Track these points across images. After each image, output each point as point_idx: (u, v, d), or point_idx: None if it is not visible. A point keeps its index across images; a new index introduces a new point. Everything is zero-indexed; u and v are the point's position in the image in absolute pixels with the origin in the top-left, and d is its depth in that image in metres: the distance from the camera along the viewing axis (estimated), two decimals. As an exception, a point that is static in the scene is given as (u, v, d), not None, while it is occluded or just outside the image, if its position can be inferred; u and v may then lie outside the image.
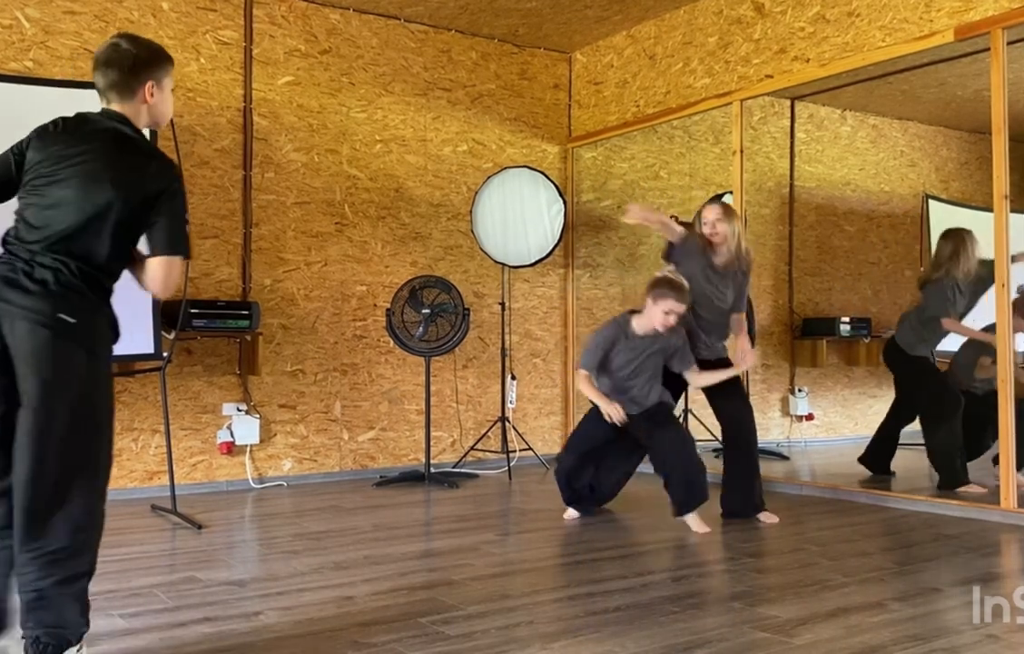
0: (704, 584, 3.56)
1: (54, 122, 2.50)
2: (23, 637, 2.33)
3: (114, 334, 2.51)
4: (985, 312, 5.37)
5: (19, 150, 2.50)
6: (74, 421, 2.32)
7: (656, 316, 4.45)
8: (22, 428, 2.29)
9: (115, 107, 2.51)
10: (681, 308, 4.45)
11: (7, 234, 2.45)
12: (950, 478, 5.32)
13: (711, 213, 4.83)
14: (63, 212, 2.38)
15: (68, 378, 2.31)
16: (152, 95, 2.54)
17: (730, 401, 4.85)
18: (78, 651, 2.37)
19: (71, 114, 2.54)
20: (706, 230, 4.81)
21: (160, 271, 2.46)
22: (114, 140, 2.46)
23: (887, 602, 3.18)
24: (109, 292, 2.50)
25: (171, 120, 5.08)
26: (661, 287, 4.45)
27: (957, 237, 5.56)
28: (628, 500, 5.22)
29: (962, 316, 5.56)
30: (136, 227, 2.47)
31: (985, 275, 5.10)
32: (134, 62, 2.50)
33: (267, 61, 5.94)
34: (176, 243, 2.48)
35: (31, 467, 2.27)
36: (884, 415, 6.11)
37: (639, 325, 4.56)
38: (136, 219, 2.44)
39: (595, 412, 4.68)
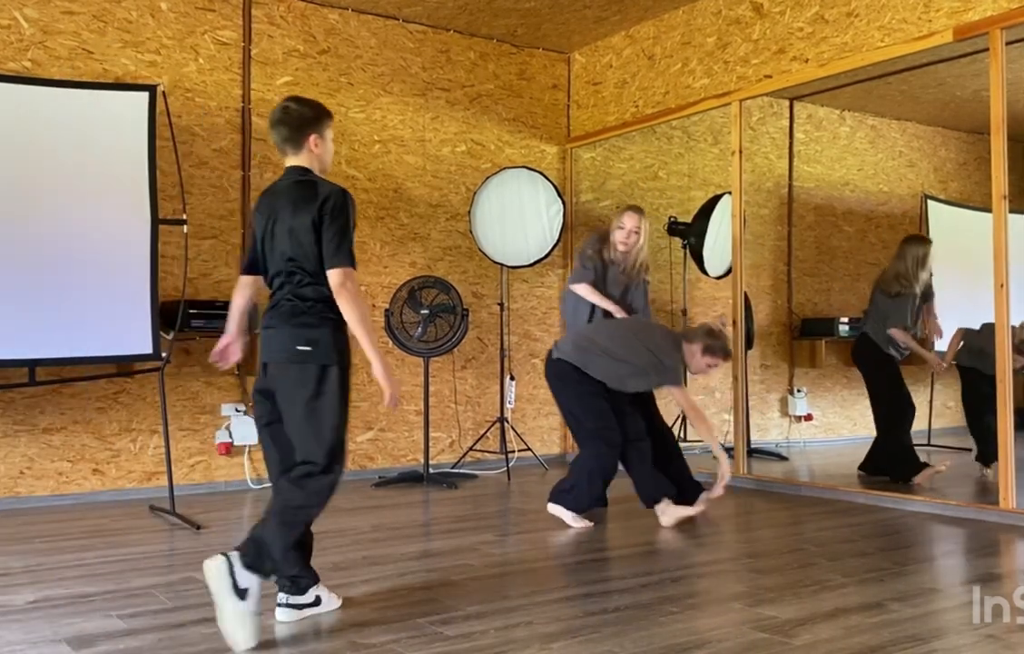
0: (703, 584, 3.56)
1: (259, 199, 3.13)
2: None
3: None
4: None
5: (254, 231, 3.13)
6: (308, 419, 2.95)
7: (700, 366, 4.63)
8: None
9: (292, 160, 3.07)
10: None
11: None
12: (906, 472, 5.56)
13: (632, 221, 5.02)
14: (278, 255, 3.00)
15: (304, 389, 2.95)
16: (316, 146, 3.08)
17: (649, 407, 5.01)
18: None
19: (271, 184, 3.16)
20: (618, 236, 5.02)
21: (334, 281, 2.93)
22: (294, 185, 3.03)
23: (886, 602, 3.18)
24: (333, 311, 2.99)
25: (169, 121, 5.09)
26: (717, 345, 4.60)
27: (924, 246, 5.88)
28: (626, 500, 5.22)
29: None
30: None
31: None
32: (300, 120, 3.05)
33: (265, 61, 5.93)
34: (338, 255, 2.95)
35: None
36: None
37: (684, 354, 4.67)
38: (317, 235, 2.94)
39: (585, 390, 4.60)
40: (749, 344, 6.66)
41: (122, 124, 4.89)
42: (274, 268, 3.02)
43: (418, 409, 6.37)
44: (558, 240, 6.45)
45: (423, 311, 5.89)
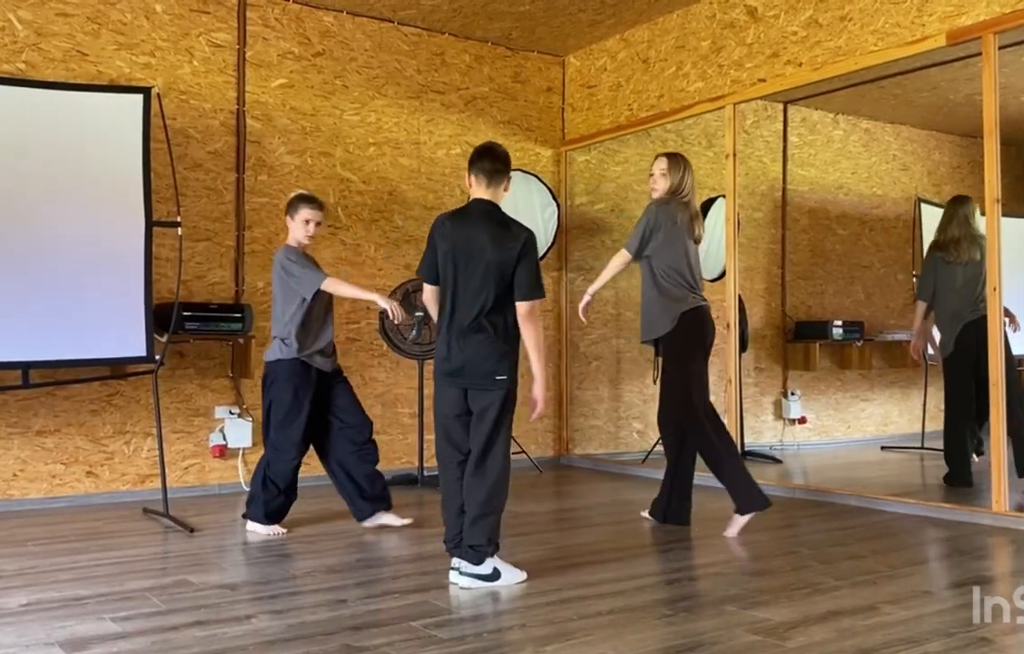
0: (697, 587, 3.56)
1: (445, 221, 3.54)
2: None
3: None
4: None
5: (434, 245, 3.52)
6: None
7: (305, 230, 4.53)
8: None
9: (482, 194, 3.54)
10: (320, 216, 4.60)
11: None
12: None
13: (657, 164, 4.74)
14: (473, 283, 3.44)
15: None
16: (506, 189, 3.59)
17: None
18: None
19: (456, 209, 3.66)
20: (651, 181, 4.80)
21: (524, 309, 3.47)
22: (493, 221, 3.49)
23: (879, 605, 3.18)
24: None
25: (164, 123, 5.07)
26: (296, 201, 4.58)
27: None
28: (621, 503, 5.24)
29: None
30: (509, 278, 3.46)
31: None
32: (506, 162, 3.57)
33: (260, 63, 5.93)
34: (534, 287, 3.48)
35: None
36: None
37: (295, 243, 4.57)
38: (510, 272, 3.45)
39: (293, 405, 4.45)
40: (743, 347, 6.67)
41: (116, 126, 4.89)
42: (467, 293, 3.44)
43: (412, 412, 6.36)
44: (553, 242, 6.45)
45: (417, 313, 5.88)
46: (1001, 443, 4.59)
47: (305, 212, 4.54)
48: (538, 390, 3.57)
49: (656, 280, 4.56)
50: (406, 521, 4.62)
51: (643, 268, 4.65)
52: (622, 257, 4.71)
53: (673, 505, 4.62)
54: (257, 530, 4.49)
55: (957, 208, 5.81)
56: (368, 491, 4.59)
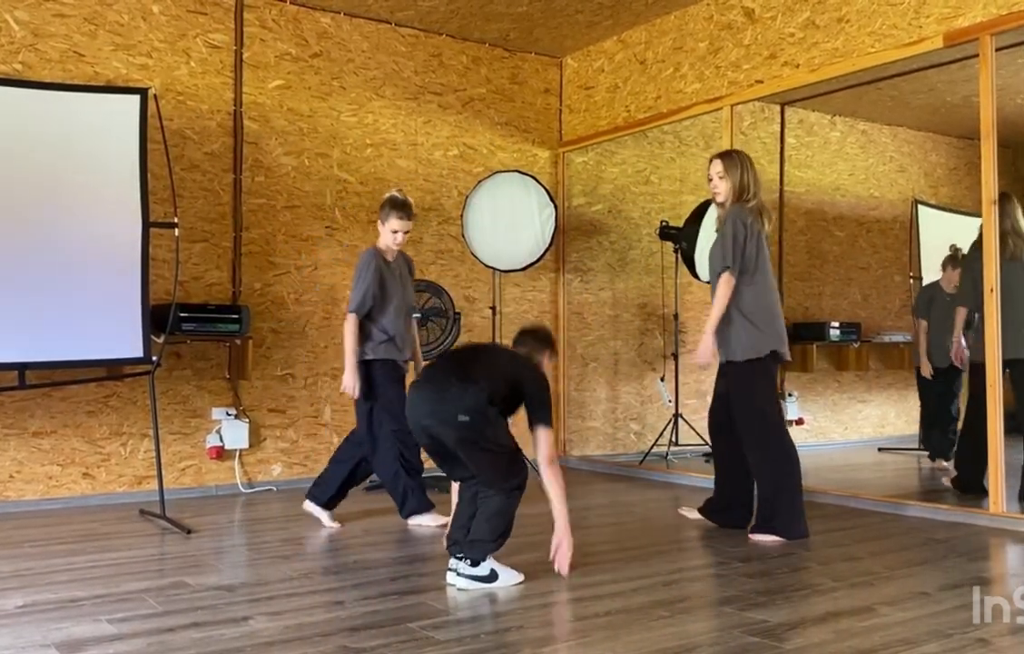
0: (694, 589, 3.56)
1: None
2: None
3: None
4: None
5: None
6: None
7: (387, 237, 4.65)
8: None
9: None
10: (408, 226, 4.64)
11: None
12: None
13: (712, 168, 4.42)
14: None
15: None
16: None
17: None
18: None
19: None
20: (710, 186, 4.46)
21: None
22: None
23: (876, 606, 3.18)
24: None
25: (161, 124, 5.06)
26: (384, 207, 4.67)
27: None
28: (618, 504, 5.23)
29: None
30: None
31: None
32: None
33: (257, 65, 5.92)
34: None
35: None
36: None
37: (383, 246, 4.69)
38: None
39: (388, 380, 4.61)
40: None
41: (113, 127, 4.88)
42: None
43: (410, 413, 6.35)
44: (550, 244, 6.45)
45: (415, 315, 5.89)
46: (999, 444, 4.59)
47: (394, 221, 4.65)
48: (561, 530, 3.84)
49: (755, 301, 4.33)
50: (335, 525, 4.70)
51: (744, 280, 4.34)
52: (726, 282, 4.28)
53: (735, 512, 4.53)
54: (424, 521, 4.61)
55: (1004, 204, 4.94)
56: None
